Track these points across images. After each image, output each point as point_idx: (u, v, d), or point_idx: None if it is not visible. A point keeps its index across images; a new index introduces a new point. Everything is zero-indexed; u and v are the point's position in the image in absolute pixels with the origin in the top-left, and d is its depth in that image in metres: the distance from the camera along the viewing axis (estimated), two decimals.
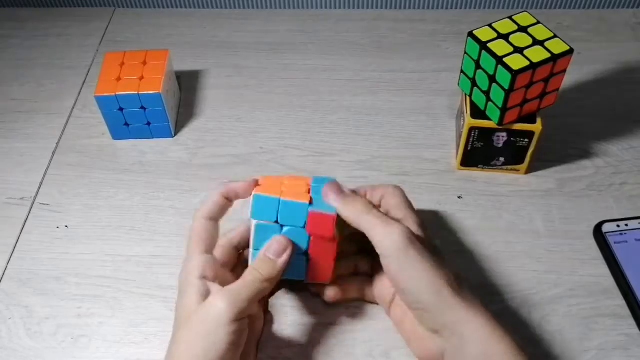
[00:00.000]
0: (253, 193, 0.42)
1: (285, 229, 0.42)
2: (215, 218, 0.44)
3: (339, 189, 0.43)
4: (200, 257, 0.42)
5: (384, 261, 0.40)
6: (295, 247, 0.42)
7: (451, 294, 0.39)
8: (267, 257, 0.41)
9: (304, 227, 0.41)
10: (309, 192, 0.42)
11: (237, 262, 0.46)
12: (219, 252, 0.44)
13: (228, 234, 0.46)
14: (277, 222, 0.42)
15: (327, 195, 0.42)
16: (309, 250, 0.42)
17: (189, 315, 0.39)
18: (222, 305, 0.38)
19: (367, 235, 0.41)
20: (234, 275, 0.43)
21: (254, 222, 0.42)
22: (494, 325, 0.39)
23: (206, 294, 0.40)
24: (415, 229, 0.43)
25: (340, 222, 0.42)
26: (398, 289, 0.41)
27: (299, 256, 0.42)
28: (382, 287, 0.45)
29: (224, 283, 0.40)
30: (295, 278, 0.42)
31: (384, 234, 0.40)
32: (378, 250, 0.40)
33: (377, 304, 0.47)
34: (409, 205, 0.45)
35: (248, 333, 0.43)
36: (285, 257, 0.41)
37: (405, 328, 0.44)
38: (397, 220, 0.41)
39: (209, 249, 0.43)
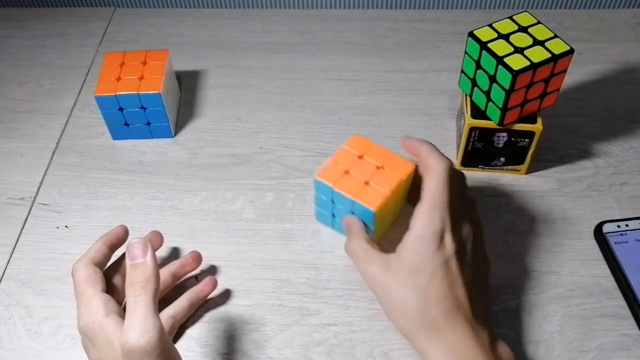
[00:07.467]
0: (315, 178, 0.47)
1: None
2: (99, 265, 0.43)
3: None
4: (100, 296, 0.41)
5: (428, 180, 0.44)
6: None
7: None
8: (133, 264, 0.39)
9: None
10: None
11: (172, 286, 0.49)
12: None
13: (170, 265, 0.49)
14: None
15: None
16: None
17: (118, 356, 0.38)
18: (141, 339, 0.36)
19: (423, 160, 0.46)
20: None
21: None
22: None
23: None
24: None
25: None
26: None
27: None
28: None
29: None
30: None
31: (437, 160, 0.44)
32: (427, 173, 0.45)
33: None
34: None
35: None
36: (149, 253, 0.39)
37: None
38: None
39: (104, 289, 0.42)
